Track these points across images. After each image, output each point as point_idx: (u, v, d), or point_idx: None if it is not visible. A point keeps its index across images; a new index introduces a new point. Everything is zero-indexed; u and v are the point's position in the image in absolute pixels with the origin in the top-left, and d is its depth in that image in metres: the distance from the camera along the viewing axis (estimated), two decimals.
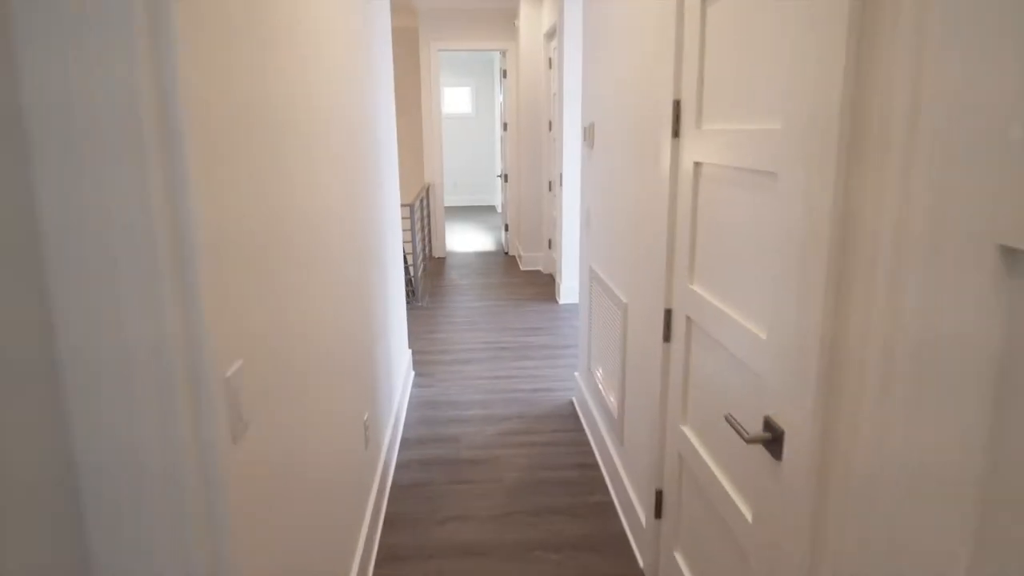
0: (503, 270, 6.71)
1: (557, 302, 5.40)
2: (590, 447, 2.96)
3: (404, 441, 3.04)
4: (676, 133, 1.73)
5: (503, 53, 7.01)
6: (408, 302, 5.40)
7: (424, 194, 6.86)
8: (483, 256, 7.50)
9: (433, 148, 7.15)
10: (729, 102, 1.43)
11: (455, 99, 11.99)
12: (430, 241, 7.30)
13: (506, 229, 7.45)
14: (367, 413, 2.28)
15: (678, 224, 1.75)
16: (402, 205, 5.34)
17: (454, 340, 4.50)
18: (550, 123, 6.10)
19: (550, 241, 6.36)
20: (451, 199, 12.11)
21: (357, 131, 2.24)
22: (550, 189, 6.24)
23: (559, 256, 5.41)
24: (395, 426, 2.98)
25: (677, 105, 1.71)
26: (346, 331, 1.97)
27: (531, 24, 6.23)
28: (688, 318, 1.71)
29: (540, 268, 6.62)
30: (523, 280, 6.23)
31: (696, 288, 1.66)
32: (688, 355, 1.73)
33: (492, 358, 4.13)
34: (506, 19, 6.76)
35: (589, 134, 2.87)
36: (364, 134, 2.39)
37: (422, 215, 6.25)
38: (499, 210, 11.22)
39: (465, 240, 8.59)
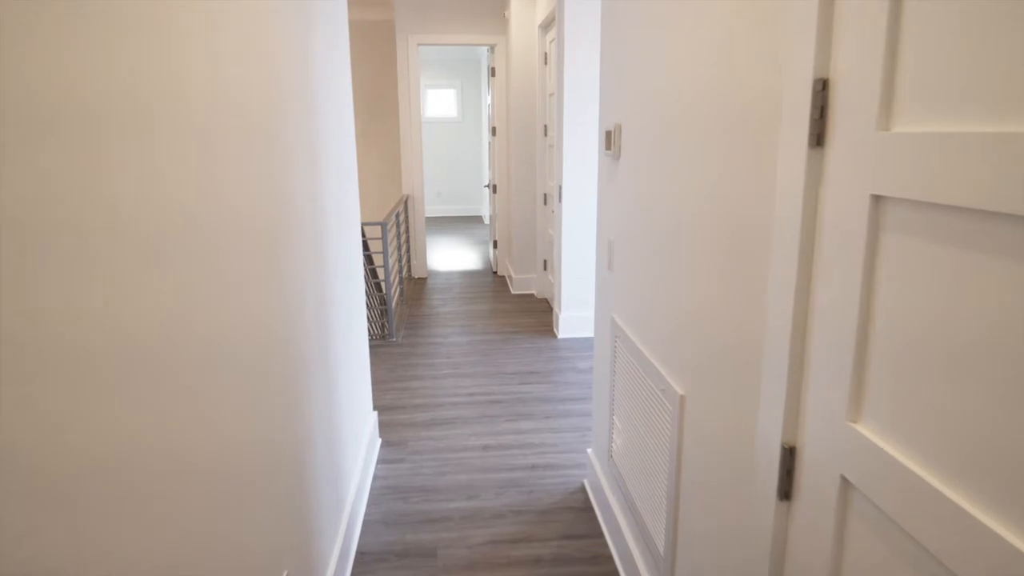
0: (492, 294, 5.92)
1: (555, 336, 4.61)
2: (615, 568, 2.17)
3: (360, 559, 2.24)
4: (819, 140, 0.95)
5: (491, 49, 6.24)
6: (381, 338, 4.60)
7: (402, 208, 6.07)
8: (469, 276, 6.71)
9: (412, 156, 6.35)
10: (976, 76, 0.66)
11: (439, 102, 11.21)
12: (409, 260, 6.50)
13: (494, 246, 6.67)
14: (286, 573, 1.47)
15: (820, 311, 0.97)
16: (371, 224, 4.54)
17: (433, 390, 3.70)
18: (545, 127, 5.33)
19: (545, 263, 5.58)
20: (435, 209, 11.31)
21: (294, 145, 1.45)
22: (546, 203, 5.46)
23: (557, 282, 4.63)
24: (348, 534, 2.17)
25: (823, 89, 0.93)
26: (258, 460, 1.17)
27: (523, 15, 5.46)
28: (844, 479, 0.93)
29: (534, 292, 5.83)
30: (514, 307, 5.44)
31: (866, 431, 0.88)
32: (842, 540, 0.95)
33: (480, 417, 3.33)
34: (495, 10, 5.99)
35: (612, 140, 2.10)
36: (303, 148, 1.61)
37: (398, 232, 5.46)
38: (486, 221, 10.43)
39: (449, 257, 7.79)
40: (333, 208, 2.19)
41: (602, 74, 2.26)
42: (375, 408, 3.45)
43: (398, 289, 5.42)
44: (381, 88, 7.26)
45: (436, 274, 6.81)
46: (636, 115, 1.89)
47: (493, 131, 6.41)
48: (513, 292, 5.90)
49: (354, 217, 2.64)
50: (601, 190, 2.32)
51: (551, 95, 5.00)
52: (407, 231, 6.38)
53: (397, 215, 5.37)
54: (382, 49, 7.16)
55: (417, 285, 6.30)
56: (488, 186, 7.26)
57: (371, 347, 4.43)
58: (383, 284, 4.56)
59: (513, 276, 5.88)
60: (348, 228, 2.50)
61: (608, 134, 2.13)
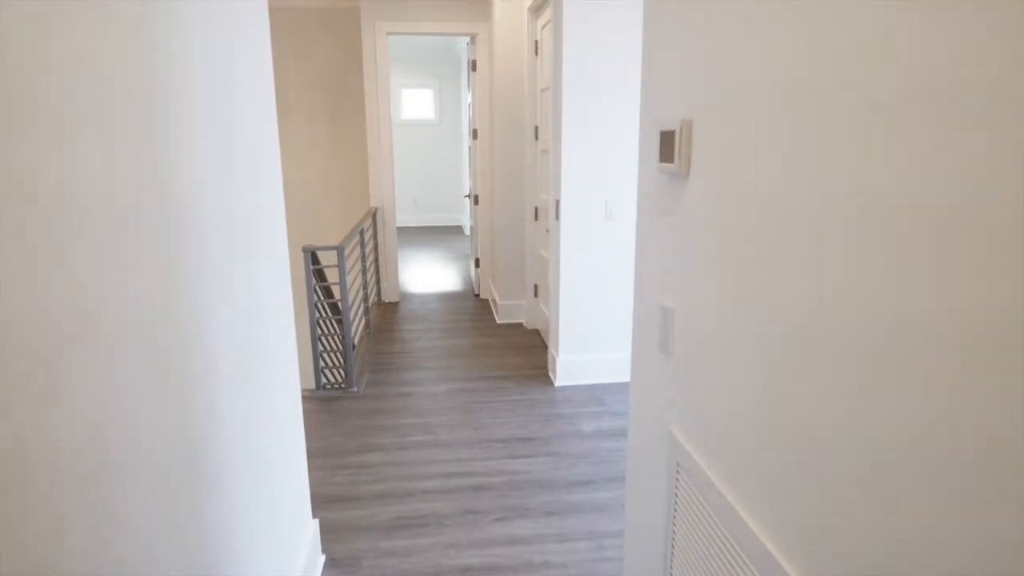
0: (474, 323, 5.09)
1: (551, 382, 3.79)
2: None
3: None
4: None
5: (472, 39, 5.42)
6: (339, 388, 3.74)
7: (369, 223, 5.21)
8: (448, 300, 5.87)
9: (382, 162, 5.50)
10: None
11: (415, 103, 10.37)
12: (378, 283, 5.65)
13: (476, 265, 5.84)
14: None
15: None
16: (325, 249, 3.68)
17: (400, 468, 2.86)
18: (537, 129, 4.52)
19: (536, 288, 4.76)
20: (411, 219, 10.45)
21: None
22: (537, 218, 4.65)
23: (554, 318, 3.81)
24: None
25: None
26: None
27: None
28: None
29: (522, 322, 5.01)
30: (501, 340, 4.61)
31: None
32: None
33: (460, 514, 2.50)
34: None
35: (676, 146, 1.27)
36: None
37: (362, 254, 4.61)
38: (467, 232, 9.60)
39: (425, 276, 6.94)
40: (239, 237, 1.36)
41: (649, 53, 1.44)
42: (318, 502, 2.60)
43: (361, 322, 4.58)
44: (349, 87, 6.40)
45: (410, 297, 5.96)
46: (731, 104, 1.07)
47: (474, 134, 5.59)
48: (499, 321, 5.07)
49: (276, 245, 1.80)
50: (647, 224, 1.50)
51: (544, 91, 4.20)
52: (376, 249, 5.53)
53: (361, 232, 4.52)
54: (345, 39, 6.31)
55: (387, 312, 5.44)
56: (468, 196, 6.43)
57: (326, 401, 3.58)
58: (343, 321, 3.73)
59: (498, 302, 5.05)
60: (268, 261, 1.65)
61: (667, 137, 1.31)
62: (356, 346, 4.25)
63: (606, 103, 3.44)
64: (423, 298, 5.94)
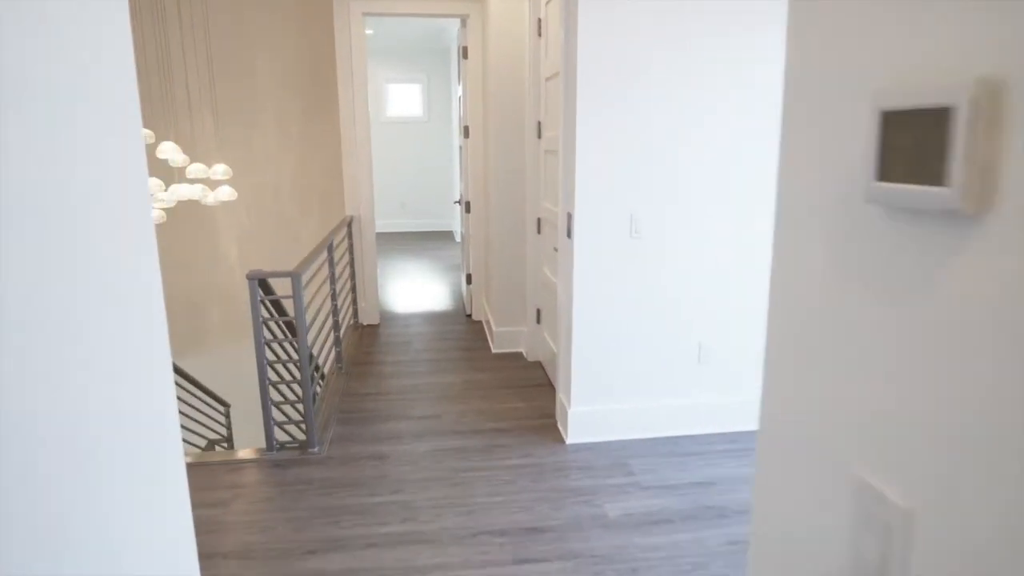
0: (465, 352, 4.35)
1: (562, 439, 3.07)
2: None
3: None
4: None
5: (463, 21, 4.69)
6: (297, 449, 3.00)
7: (343, 235, 4.47)
8: (436, 322, 5.13)
9: (359, 166, 4.76)
10: None
11: (402, 99, 9.62)
12: (354, 303, 4.90)
13: (468, 281, 5.10)
14: None
15: None
16: (279, 275, 2.94)
17: None
18: (540, 126, 3.78)
19: (539, 313, 4.03)
20: (397, 224, 9.70)
21: None
22: (540, 231, 3.92)
23: (565, 354, 3.08)
24: None
25: None
26: None
27: None
28: None
29: (522, 351, 4.28)
30: (498, 377, 3.88)
31: None
32: None
33: None
34: None
35: (961, 143, 0.54)
36: None
37: (332, 274, 3.85)
38: (458, 239, 8.86)
39: (410, 291, 6.19)
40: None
41: None
42: None
43: (330, 356, 3.84)
44: (324, 80, 5.65)
45: (392, 319, 5.22)
46: None
47: (465, 132, 4.85)
48: (495, 350, 4.33)
49: (130, 277, 1.06)
50: (825, 309, 0.76)
51: (550, 79, 3.47)
52: (351, 263, 4.78)
53: (330, 248, 3.77)
54: (323, 28, 5.56)
55: (365, 338, 4.70)
56: (459, 203, 5.69)
57: (279, 467, 2.84)
58: (300, 366, 2.97)
59: (495, 327, 4.31)
60: (100, 294, 0.91)
61: (911, 124, 0.57)
62: (319, 394, 3.50)
63: (633, 93, 2.71)
64: (407, 319, 5.20)
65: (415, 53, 9.41)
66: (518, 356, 4.23)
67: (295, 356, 3.13)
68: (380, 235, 6.17)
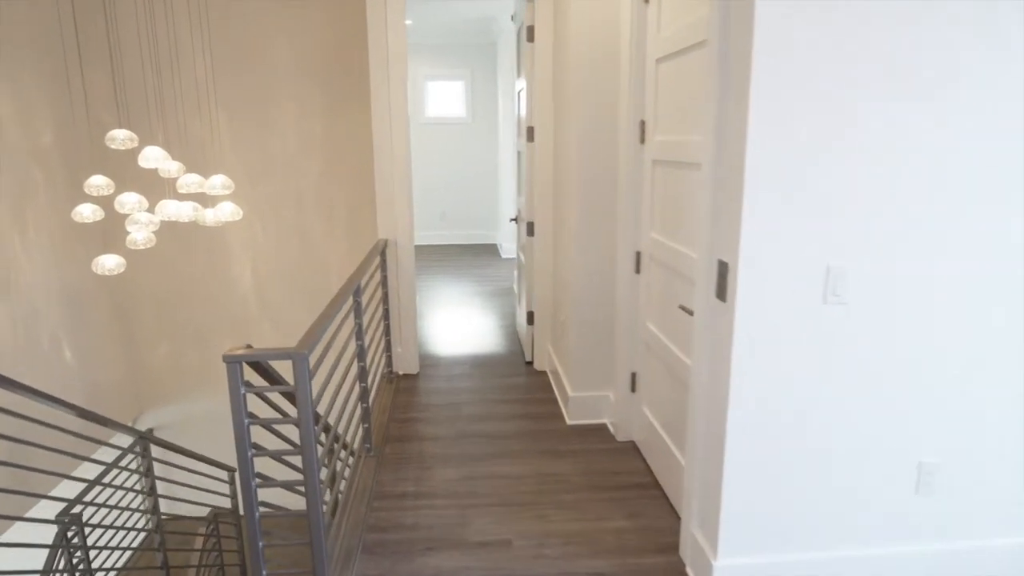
0: (532, 423, 3.33)
1: None
2: None
3: None
4: None
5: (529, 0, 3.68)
6: None
7: (376, 265, 3.49)
8: (488, 369, 4.11)
9: (395, 178, 3.78)
10: None
11: (443, 97, 8.66)
12: (387, 348, 3.92)
13: (529, 321, 4.07)
14: None
15: None
16: (277, 356, 1.94)
17: None
18: (644, 127, 2.74)
19: (635, 378, 2.98)
20: (435, 235, 8.74)
21: None
22: (639, 270, 2.88)
23: (711, 469, 2.03)
24: None
25: None
26: None
27: None
28: None
29: (607, 424, 3.24)
30: (580, 466, 2.85)
31: None
32: None
33: None
34: None
35: None
36: None
37: (357, 327, 2.86)
38: (504, 254, 7.87)
39: (453, 323, 5.19)
40: None
41: None
42: None
43: (356, 436, 2.86)
44: (356, 73, 4.71)
45: (434, 364, 4.22)
46: None
47: (529, 134, 3.83)
48: (570, 421, 3.30)
49: None
50: None
51: (665, 60, 2.43)
52: (385, 299, 3.80)
53: (356, 292, 2.78)
54: (355, 11, 4.62)
55: (401, 396, 3.70)
56: (516, 220, 4.68)
57: None
58: (307, 490, 2.00)
59: (569, 392, 3.28)
60: None
61: None
62: (338, 503, 2.51)
63: (852, 85, 1.66)
64: (452, 366, 4.20)
65: (457, 47, 8.45)
66: (602, 432, 3.19)
67: (296, 444, 2.14)
68: (416, 248, 5.16)
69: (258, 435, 1.92)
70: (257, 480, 1.89)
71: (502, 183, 8.05)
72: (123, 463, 3.69)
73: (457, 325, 5.09)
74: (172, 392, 5.37)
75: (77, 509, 3.16)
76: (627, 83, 2.81)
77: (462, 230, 8.84)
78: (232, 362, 1.78)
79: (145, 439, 3.52)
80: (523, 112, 4.14)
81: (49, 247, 4.19)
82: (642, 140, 2.77)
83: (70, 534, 3.31)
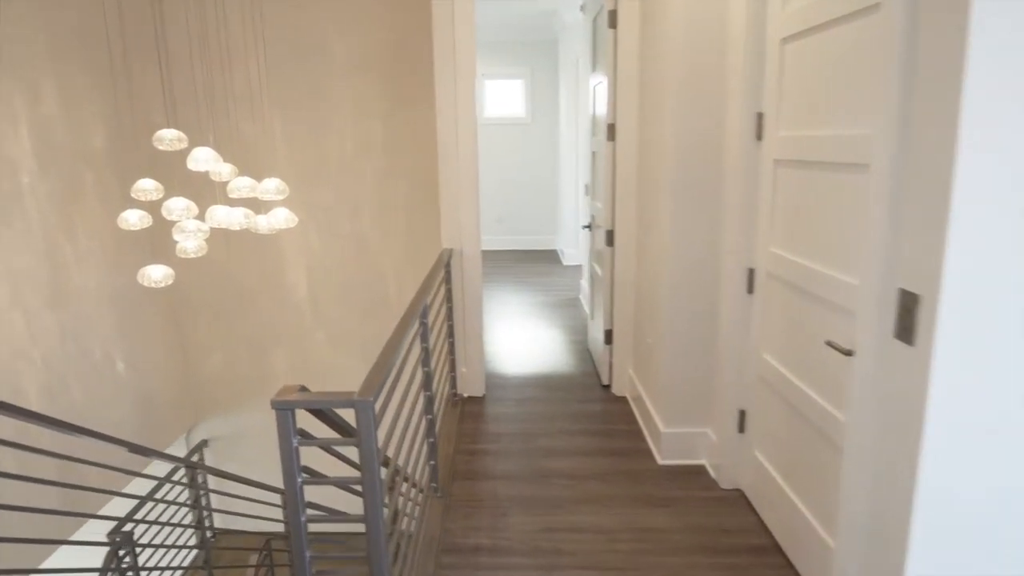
0: (617, 460, 2.93)
1: None
2: None
3: None
4: None
5: None
6: None
7: (440, 280, 3.15)
8: (559, 392, 3.72)
9: (462, 186, 3.43)
10: None
11: (501, 97, 8.33)
12: (452, 368, 3.58)
13: (607, 340, 3.67)
14: None
15: None
16: (320, 405, 1.59)
17: None
18: (761, 120, 2.31)
19: (744, 417, 2.54)
20: (493, 241, 8.40)
21: None
22: (752, 290, 2.45)
23: (878, 551, 1.60)
24: None
25: None
26: None
27: None
28: None
29: (706, 465, 2.81)
30: (680, 519, 2.44)
31: None
32: None
33: None
34: None
35: None
36: None
37: (423, 352, 2.51)
38: (566, 261, 7.47)
39: (518, 338, 4.82)
40: None
41: None
42: None
43: (424, 470, 2.51)
44: (418, 70, 4.41)
45: (500, 385, 3.86)
46: None
47: (609, 132, 3.43)
48: (661, 461, 2.88)
49: None
50: None
51: (793, 39, 2.00)
52: (449, 315, 3.46)
53: (423, 314, 2.43)
54: (417, 4, 4.31)
55: (468, 423, 3.35)
56: (589, 227, 4.28)
57: None
58: (378, 540, 1.65)
59: (661, 428, 2.87)
60: None
61: None
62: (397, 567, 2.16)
63: None
64: (520, 388, 3.83)
65: (516, 44, 8.10)
66: (700, 475, 2.76)
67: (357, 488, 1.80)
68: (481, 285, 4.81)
69: (308, 457, 1.58)
70: (311, 552, 1.55)
71: (562, 186, 7.66)
72: (174, 478, 3.46)
73: (521, 340, 4.72)
74: (226, 402, 5.16)
75: (127, 527, 2.98)
76: (740, 69, 2.39)
77: (520, 235, 8.48)
78: (283, 409, 1.44)
79: (192, 467, 3.26)
80: (600, 109, 3.74)
81: (100, 253, 4.00)
82: (759, 136, 2.34)
83: (121, 552, 3.14)
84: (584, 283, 5.80)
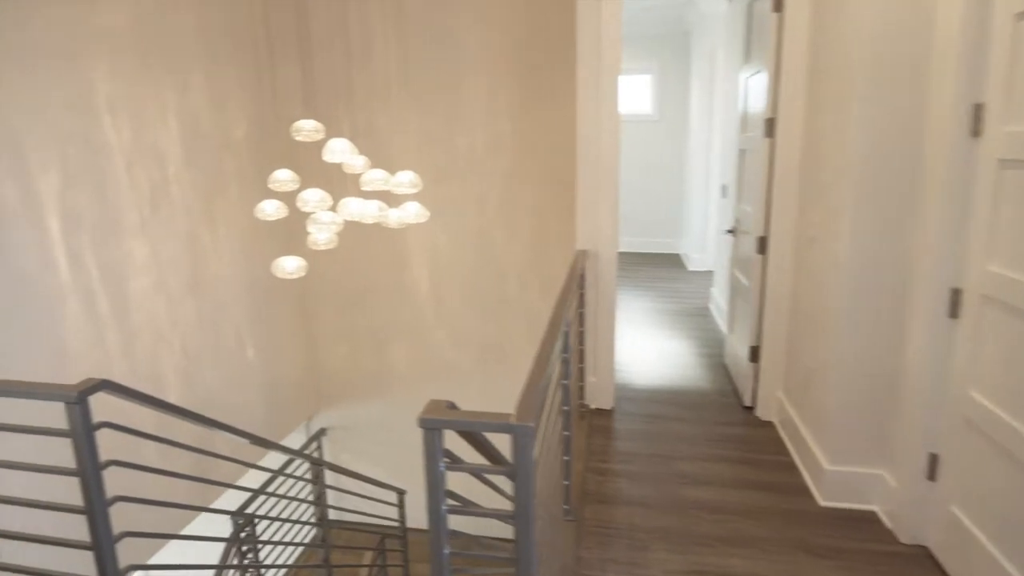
0: (769, 495, 2.60)
1: None
2: None
3: None
4: None
5: None
6: None
7: (576, 284, 2.93)
8: (694, 412, 3.41)
9: (599, 185, 3.21)
10: None
11: (629, 93, 8.02)
12: (581, 377, 3.36)
13: (752, 357, 3.33)
14: None
15: None
16: (470, 427, 1.40)
17: None
18: (980, 112, 1.92)
19: (936, 462, 2.15)
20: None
21: None
22: (956, 314, 2.05)
23: None
24: None
25: None
26: None
27: None
28: None
29: (877, 512, 2.43)
30: (842, 565, 2.11)
31: None
32: None
33: None
34: None
35: None
36: None
37: (564, 365, 2.31)
38: (691, 266, 7.07)
39: (646, 347, 4.53)
40: None
41: None
42: None
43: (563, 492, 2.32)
44: (552, 63, 4.23)
45: (629, 397, 3.59)
46: None
47: (767, 128, 3.09)
48: (823, 503, 2.53)
49: None
50: None
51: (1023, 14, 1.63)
52: (580, 321, 3.24)
53: (566, 336, 2.23)
54: (563, 6, 4.12)
55: (597, 438, 3.12)
56: (732, 232, 3.93)
57: None
58: None
59: (825, 465, 2.52)
60: None
61: None
62: None
63: None
64: (650, 402, 3.55)
65: (644, 38, 7.76)
66: (872, 524, 2.39)
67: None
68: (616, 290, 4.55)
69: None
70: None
71: (690, 187, 7.25)
72: (293, 469, 3.47)
73: (649, 350, 4.43)
74: (346, 393, 5.21)
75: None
76: (954, 52, 2.01)
77: (641, 237, 8.14)
78: (431, 428, 1.27)
79: (316, 463, 3.24)
80: (754, 103, 3.40)
81: (239, 242, 4.09)
82: (976, 132, 1.96)
83: (242, 534, 3.21)
84: (715, 291, 5.41)
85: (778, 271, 3.09)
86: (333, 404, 5.28)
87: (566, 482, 2.39)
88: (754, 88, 3.42)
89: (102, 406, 1.59)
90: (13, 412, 1.66)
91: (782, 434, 3.11)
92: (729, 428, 3.22)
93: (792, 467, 2.82)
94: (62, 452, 1.56)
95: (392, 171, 3.05)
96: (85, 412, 1.42)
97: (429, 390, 5.38)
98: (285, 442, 4.94)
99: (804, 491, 2.62)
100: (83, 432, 1.41)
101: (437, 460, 1.28)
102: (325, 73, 4.25)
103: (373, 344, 5.03)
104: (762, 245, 3.18)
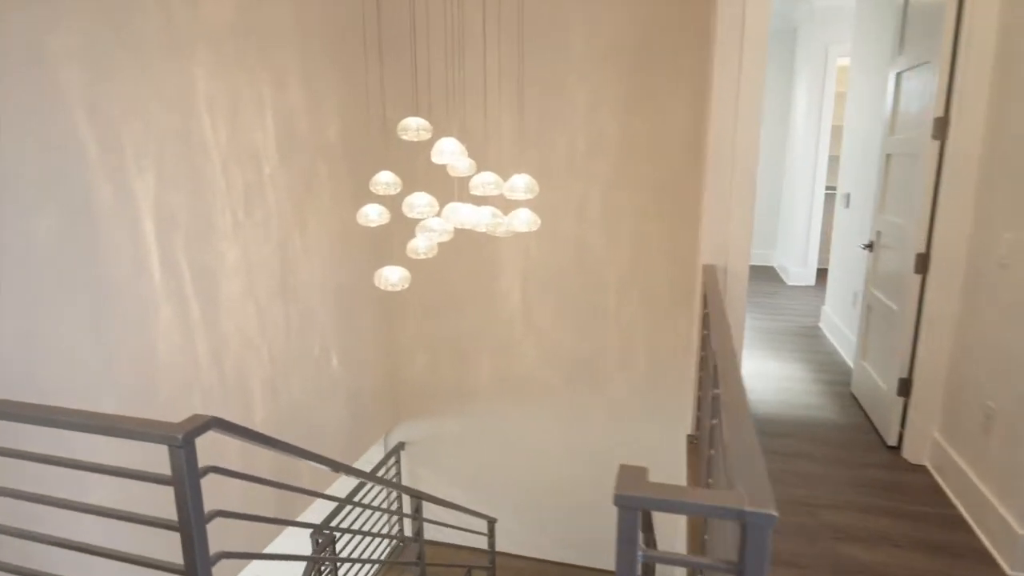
0: (930, 549, 2.20)
1: None
2: None
3: None
4: None
5: None
6: None
7: (701, 310, 2.61)
8: (826, 449, 3.01)
9: (732, 192, 2.86)
10: None
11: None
12: (699, 404, 3.00)
13: (902, 391, 2.90)
14: None
15: None
16: (640, 501, 1.08)
17: None
18: None
19: None
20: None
21: None
22: None
23: None
24: None
25: None
26: None
27: None
28: None
29: None
30: None
31: None
32: None
33: None
34: None
35: None
36: None
37: (716, 391, 1.99)
38: (790, 281, 6.58)
39: (758, 372, 4.13)
40: None
41: None
42: None
43: None
44: (664, 57, 3.91)
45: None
46: None
47: (937, 128, 2.68)
48: (1012, 573, 2.11)
49: None
50: None
51: None
52: (703, 345, 2.89)
53: (705, 364, 1.90)
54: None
55: None
56: (868, 247, 3.51)
57: None
58: None
59: (1018, 529, 2.10)
60: None
61: None
62: None
63: None
64: (774, 435, 3.17)
65: None
66: None
67: None
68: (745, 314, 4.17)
69: None
70: None
71: (789, 194, 6.76)
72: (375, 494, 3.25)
73: (762, 375, 4.04)
74: (426, 406, 5.00)
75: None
76: None
77: None
78: (628, 508, 0.98)
79: (417, 496, 3.03)
80: (912, 101, 2.98)
81: (328, 247, 3.92)
82: None
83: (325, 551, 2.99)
84: (828, 309, 4.95)
85: (942, 294, 2.67)
86: (412, 417, 5.07)
87: (706, 537, 2.06)
88: (912, 84, 3.01)
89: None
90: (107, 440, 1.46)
91: (940, 482, 2.68)
92: (873, 472, 2.81)
93: (962, 524, 2.40)
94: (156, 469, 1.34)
95: (501, 175, 2.78)
96: (191, 456, 1.19)
97: (513, 409, 5.05)
98: (365, 456, 4.75)
99: (985, 557, 2.21)
100: (187, 480, 1.18)
101: (634, 546, 0.99)
102: (423, 74, 4.05)
103: (455, 355, 4.79)
104: (921, 263, 2.77)
